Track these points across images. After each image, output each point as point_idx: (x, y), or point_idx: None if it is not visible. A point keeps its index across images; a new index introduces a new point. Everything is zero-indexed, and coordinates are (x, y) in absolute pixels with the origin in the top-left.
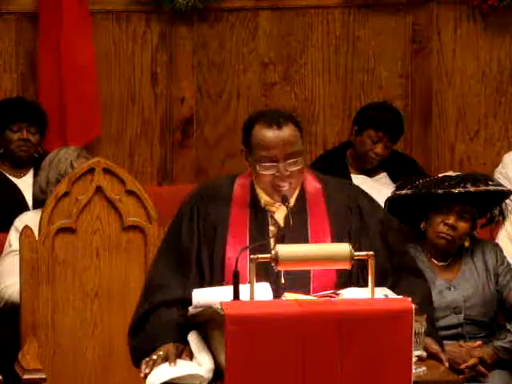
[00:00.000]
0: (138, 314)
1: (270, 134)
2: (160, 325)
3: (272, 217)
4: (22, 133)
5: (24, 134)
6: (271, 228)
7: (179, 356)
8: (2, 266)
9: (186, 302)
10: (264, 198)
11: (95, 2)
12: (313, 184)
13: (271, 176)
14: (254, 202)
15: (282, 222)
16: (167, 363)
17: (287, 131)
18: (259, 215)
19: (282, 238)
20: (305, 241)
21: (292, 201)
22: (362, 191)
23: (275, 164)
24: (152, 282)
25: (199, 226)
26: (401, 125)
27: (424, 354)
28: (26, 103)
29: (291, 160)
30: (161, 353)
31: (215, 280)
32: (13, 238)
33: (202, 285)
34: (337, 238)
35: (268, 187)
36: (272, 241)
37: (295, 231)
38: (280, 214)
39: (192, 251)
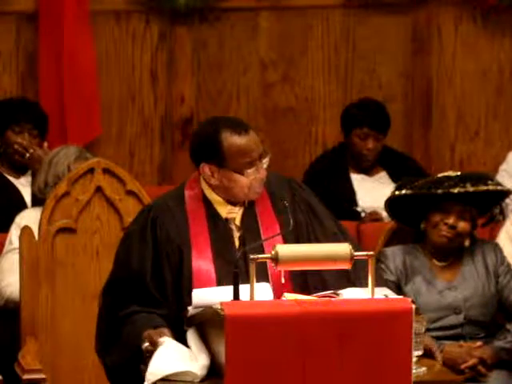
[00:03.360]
0: (105, 326)
1: (243, 140)
2: (136, 329)
3: (233, 223)
4: (23, 135)
5: (25, 137)
6: (236, 234)
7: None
8: (2, 263)
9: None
10: (220, 207)
11: (95, 1)
12: None
13: (251, 181)
14: (211, 213)
15: (238, 223)
16: (161, 357)
17: (252, 133)
18: (219, 225)
19: (243, 241)
20: (258, 237)
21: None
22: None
23: (255, 167)
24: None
25: (158, 246)
26: (384, 115)
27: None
28: (29, 104)
29: (265, 159)
30: (146, 344)
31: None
32: (14, 235)
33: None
34: (287, 232)
35: (245, 191)
36: (237, 244)
37: (250, 231)
38: (237, 219)
39: (145, 276)
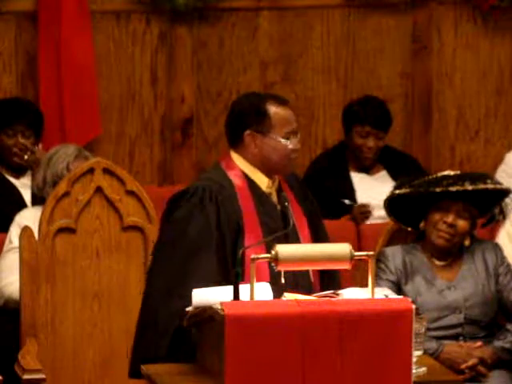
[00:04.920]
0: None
1: (287, 110)
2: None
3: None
4: (16, 138)
5: (19, 138)
6: (278, 207)
7: None
8: (2, 263)
9: None
10: (263, 182)
11: (95, 1)
12: None
13: (292, 150)
14: (254, 189)
15: (276, 203)
16: None
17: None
18: (263, 200)
19: (285, 216)
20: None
21: (276, 184)
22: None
23: (295, 138)
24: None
25: (220, 217)
26: (386, 113)
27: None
28: (22, 105)
29: (299, 134)
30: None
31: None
32: (13, 234)
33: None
34: (308, 220)
35: (285, 161)
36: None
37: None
38: (273, 195)
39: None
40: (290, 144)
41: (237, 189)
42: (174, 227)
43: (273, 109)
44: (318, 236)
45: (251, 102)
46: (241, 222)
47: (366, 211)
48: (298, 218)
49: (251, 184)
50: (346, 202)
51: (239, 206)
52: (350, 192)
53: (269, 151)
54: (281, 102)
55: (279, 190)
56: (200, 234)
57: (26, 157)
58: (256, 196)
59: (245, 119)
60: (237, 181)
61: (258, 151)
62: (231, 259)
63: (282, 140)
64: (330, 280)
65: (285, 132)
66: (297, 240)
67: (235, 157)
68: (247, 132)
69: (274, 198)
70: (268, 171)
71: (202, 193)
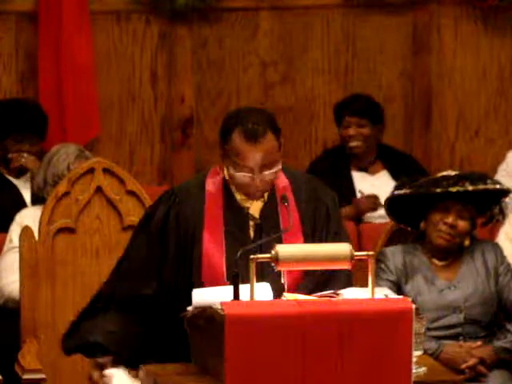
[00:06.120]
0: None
1: (246, 147)
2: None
3: (248, 212)
4: (20, 145)
5: (22, 146)
6: (251, 223)
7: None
8: (2, 262)
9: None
10: (240, 195)
11: (95, 1)
12: (281, 178)
13: (245, 182)
14: (229, 198)
15: (257, 216)
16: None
17: (265, 144)
18: (235, 211)
19: (260, 230)
20: (277, 228)
21: (265, 195)
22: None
23: (250, 174)
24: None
25: (178, 229)
26: (368, 101)
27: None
28: (24, 109)
29: (267, 172)
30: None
31: (191, 279)
32: (14, 233)
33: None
34: (306, 224)
35: (240, 187)
36: (251, 233)
37: (269, 221)
38: (255, 208)
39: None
40: (240, 175)
41: (207, 194)
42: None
43: (234, 135)
44: (317, 239)
45: (227, 119)
46: (200, 224)
47: (375, 202)
48: (287, 221)
49: (227, 193)
50: (359, 193)
51: (203, 210)
52: (350, 191)
53: (227, 171)
54: (247, 136)
55: (270, 200)
56: (141, 229)
57: (23, 160)
58: (228, 205)
59: (220, 136)
60: (211, 187)
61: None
62: (172, 256)
63: (231, 168)
64: (329, 281)
65: (234, 163)
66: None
67: (224, 166)
68: (220, 142)
69: (256, 211)
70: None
71: (164, 194)
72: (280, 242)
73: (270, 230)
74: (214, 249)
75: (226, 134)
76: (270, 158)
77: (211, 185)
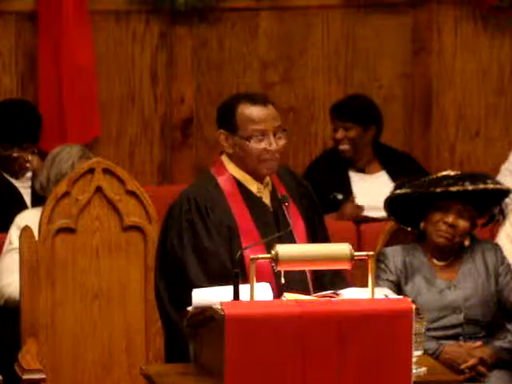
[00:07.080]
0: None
1: (257, 109)
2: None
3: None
4: (12, 151)
5: (15, 152)
6: (270, 209)
7: None
8: (2, 263)
9: None
10: (253, 186)
11: (95, 1)
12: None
13: (261, 150)
14: (245, 192)
15: (270, 206)
16: None
17: (271, 108)
18: (256, 203)
19: (276, 217)
20: (285, 219)
21: (270, 186)
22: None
23: (266, 140)
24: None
25: (207, 225)
26: (350, 104)
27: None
28: (16, 115)
29: (279, 134)
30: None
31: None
32: (13, 235)
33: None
34: (304, 217)
35: (255, 162)
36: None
37: (280, 209)
38: (266, 198)
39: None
40: (255, 144)
41: (226, 194)
42: (170, 254)
43: (240, 108)
44: (317, 235)
45: (225, 102)
46: (233, 226)
47: (356, 212)
48: (295, 219)
49: (242, 189)
50: (339, 196)
51: (230, 211)
52: (348, 192)
53: (240, 151)
54: (254, 101)
55: (273, 192)
56: (194, 250)
57: (27, 165)
58: (248, 200)
59: (218, 118)
60: (226, 186)
61: (233, 152)
62: (230, 263)
63: (246, 141)
64: (329, 280)
65: (249, 131)
66: (292, 242)
67: (226, 161)
68: (220, 131)
69: (267, 201)
70: (251, 173)
71: (188, 203)
72: (291, 235)
73: (282, 217)
74: (253, 248)
75: (230, 116)
76: (279, 122)
77: (227, 183)
